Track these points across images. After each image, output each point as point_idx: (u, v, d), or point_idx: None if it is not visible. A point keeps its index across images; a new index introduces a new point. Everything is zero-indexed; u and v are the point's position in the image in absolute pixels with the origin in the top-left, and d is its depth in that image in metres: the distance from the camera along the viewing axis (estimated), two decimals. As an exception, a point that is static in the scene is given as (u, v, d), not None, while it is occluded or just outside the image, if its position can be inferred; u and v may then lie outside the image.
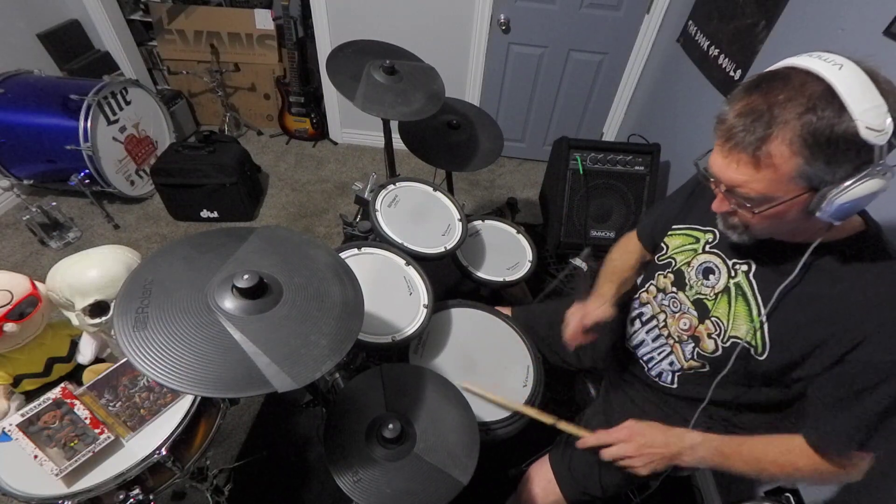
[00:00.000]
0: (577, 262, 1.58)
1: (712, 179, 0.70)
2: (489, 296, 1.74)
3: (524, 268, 1.46)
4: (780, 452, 0.77)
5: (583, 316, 1.01)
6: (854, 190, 0.57)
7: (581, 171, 2.07)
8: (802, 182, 0.60)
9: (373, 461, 0.81)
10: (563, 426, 0.95)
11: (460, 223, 1.35)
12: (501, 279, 1.40)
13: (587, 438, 0.90)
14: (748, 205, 0.66)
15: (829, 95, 0.55)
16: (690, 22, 2.11)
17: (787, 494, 1.10)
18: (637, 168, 2.09)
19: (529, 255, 1.50)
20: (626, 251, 1.14)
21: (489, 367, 1.12)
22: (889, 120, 0.54)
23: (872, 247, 0.70)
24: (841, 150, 0.56)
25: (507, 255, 1.49)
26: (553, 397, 1.20)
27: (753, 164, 0.61)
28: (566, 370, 1.31)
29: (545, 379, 1.12)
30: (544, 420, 0.97)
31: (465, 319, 1.22)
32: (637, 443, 0.84)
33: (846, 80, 0.55)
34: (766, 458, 0.78)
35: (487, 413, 1.01)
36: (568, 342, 1.04)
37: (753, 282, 0.80)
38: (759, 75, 0.63)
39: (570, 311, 1.04)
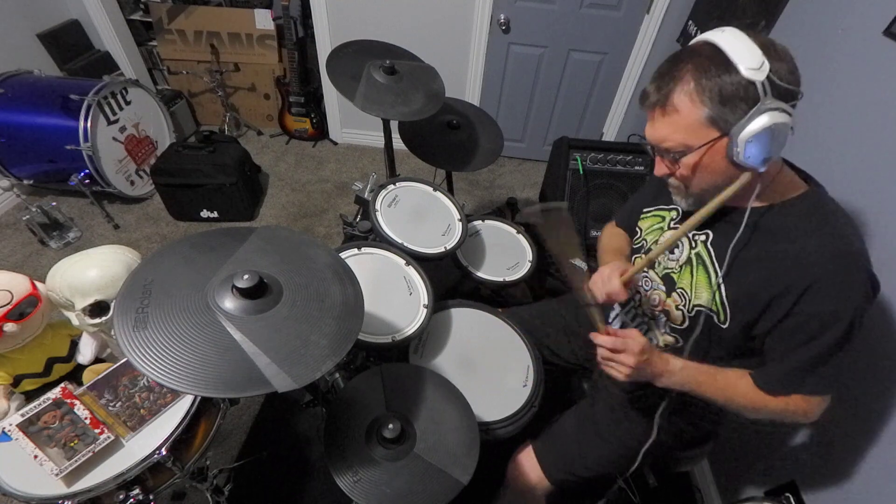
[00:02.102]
0: (577, 262, 1.58)
1: (649, 147, 0.78)
2: (489, 296, 1.74)
3: (524, 268, 1.46)
4: (749, 386, 0.82)
5: (613, 272, 0.92)
6: (752, 125, 0.65)
7: (581, 171, 2.06)
8: (711, 126, 0.68)
9: (373, 461, 0.81)
10: (593, 312, 0.88)
11: (460, 223, 1.35)
12: (501, 279, 1.40)
13: (604, 338, 0.82)
14: (675, 157, 0.74)
15: (715, 51, 0.66)
16: (690, 22, 2.11)
17: (787, 494, 1.11)
18: (637, 168, 2.09)
19: (529, 255, 1.50)
20: (614, 234, 1.17)
21: (489, 367, 1.12)
22: (765, 60, 0.64)
23: (813, 204, 0.76)
24: (732, 91, 0.65)
25: (507, 255, 1.49)
26: (553, 397, 1.20)
27: (665, 117, 0.71)
28: (563, 368, 1.31)
29: (545, 379, 1.12)
30: (582, 295, 0.91)
31: (465, 319, 1.22)
32: (639, 360, 0.80)
33: (727, 38, 0.66)
34: (737, 390, 0.82)
35: (487, 413, 1.01)
36: (611, 294, 0.92)
37: (711, 249, 0.84)
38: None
39: (598, 271, 0.96)
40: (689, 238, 0.89)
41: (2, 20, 2.20)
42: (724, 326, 0.82)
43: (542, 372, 1.12)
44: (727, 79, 0.65)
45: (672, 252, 0.92)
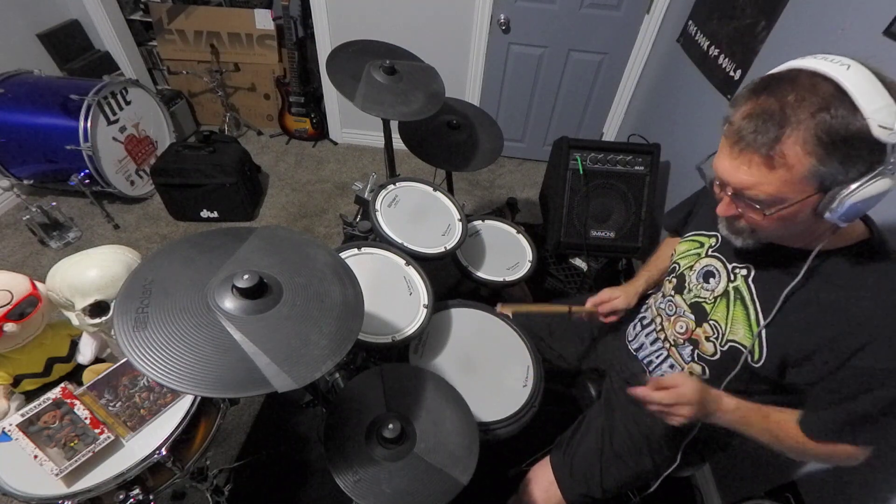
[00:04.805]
0: (577, 261, 1.59)
1: (717, 183, 0.69)
2: (489, 296, 1.74)
3: (524, 268, 1.46)
4: (796, 430, 0.77)
5: (607, 300, 1.11)
6: (865, 190, 0.57)
7: (581, 171, 2.06)
8: (814, 183, 0.59)
9: (373, 461, 0.81)
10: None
11: (460, 223, 1.35)
12: (501, 279, 1.40)
13: (659, 394, 0.78)
14: (758, 207, 0.65)
15: (840, 95, 0.55)
16: (690, 22, 2.11)
17: (787, 495, 1.11)
18: (637, 168, 2.08)
19: (529, 255, 1.50)
20: (668, 245, 1.17)
21: (489, 367, 1.12)
22: None
23: (876, 254, 0.70)
24: (855, 149, 0.55)
25: (507, 255, 1.49)
26: (553, 397, 1.20)
27: (766, 165, 0.60)
28: (567, 371, 1.30)
29: (545, 380, 1.12)
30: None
31: (465, 319, 1.22)
32: (697, 408, 0.76)
33: (855, 79, 0.55)
34: (788, 432, 0.77)
35: (487, 413, 1.01)
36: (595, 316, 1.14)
37: (752, 286, 0.80)
38: (764, 78, 0.63)
39: (603, 290, 1.14)
40: (727, 270, 0.84)
41: (2, 20, 2.19)
42: (757, 365, 0.78)
43: (542, 372, 1.12)
44: (853, 132, 0.54)
45: (707, 281, 0.87)
